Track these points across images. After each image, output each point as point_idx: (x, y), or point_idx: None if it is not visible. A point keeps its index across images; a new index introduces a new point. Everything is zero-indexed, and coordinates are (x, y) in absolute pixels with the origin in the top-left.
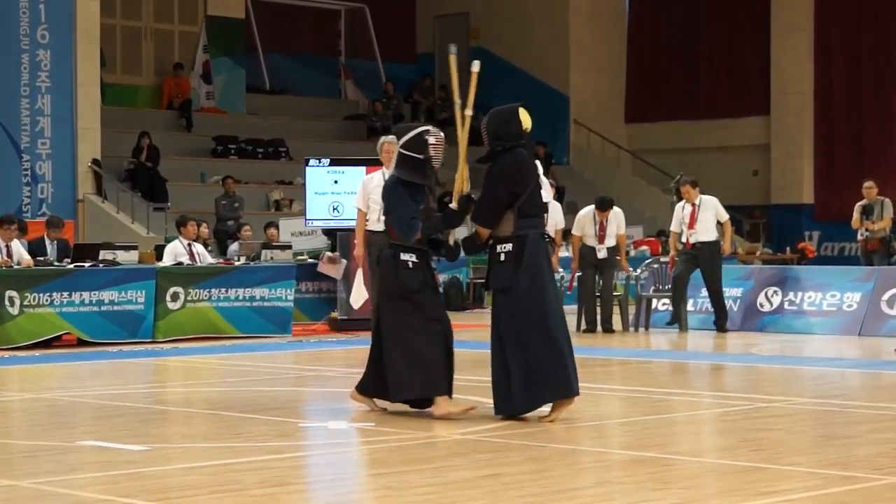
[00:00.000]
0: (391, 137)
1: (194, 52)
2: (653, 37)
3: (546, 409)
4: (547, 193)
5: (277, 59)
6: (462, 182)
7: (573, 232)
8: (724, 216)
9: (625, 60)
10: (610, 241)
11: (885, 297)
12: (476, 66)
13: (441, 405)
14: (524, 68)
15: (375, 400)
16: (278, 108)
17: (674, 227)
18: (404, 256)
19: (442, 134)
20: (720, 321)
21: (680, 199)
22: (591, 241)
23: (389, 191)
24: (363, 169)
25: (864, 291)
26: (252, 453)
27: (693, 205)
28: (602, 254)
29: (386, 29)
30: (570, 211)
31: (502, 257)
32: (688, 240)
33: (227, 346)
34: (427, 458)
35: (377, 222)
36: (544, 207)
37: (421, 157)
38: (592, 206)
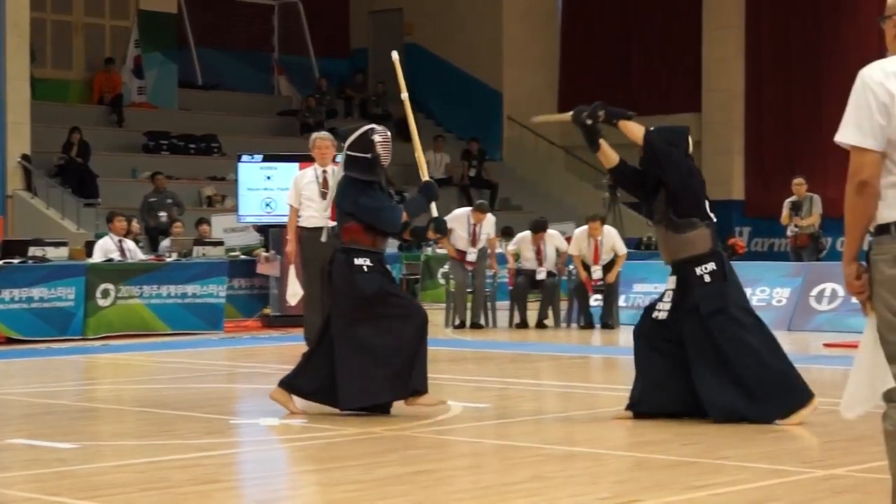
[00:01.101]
0: (324, 133)
1: (126, 46)
2: (585, 33)
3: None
4: None
5: (210, 54)
6: (423, 164)
7: (510, 248)
8: (622, 250)
9: (558, 57)
10: (549, 265)
11: (814, 292)
12: (395, 56)
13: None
14: (458, 65)
15: (294, 398)
16: (211, 104)
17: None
18: (358, 261)
19: (388, 132)
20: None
21: (613, 196)
22: (529, 264)
23: (347, 191)
24: (296, 165)
25: (793, 287)
26: (183, 451)
27: (597, 240)
28: (541, 276)
29: (319, 24)
30: (504, 207)
31: (707, 278)
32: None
33: (158, 343)
34: (359, 454)
35: (309, 219)
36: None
37: (368, 155)
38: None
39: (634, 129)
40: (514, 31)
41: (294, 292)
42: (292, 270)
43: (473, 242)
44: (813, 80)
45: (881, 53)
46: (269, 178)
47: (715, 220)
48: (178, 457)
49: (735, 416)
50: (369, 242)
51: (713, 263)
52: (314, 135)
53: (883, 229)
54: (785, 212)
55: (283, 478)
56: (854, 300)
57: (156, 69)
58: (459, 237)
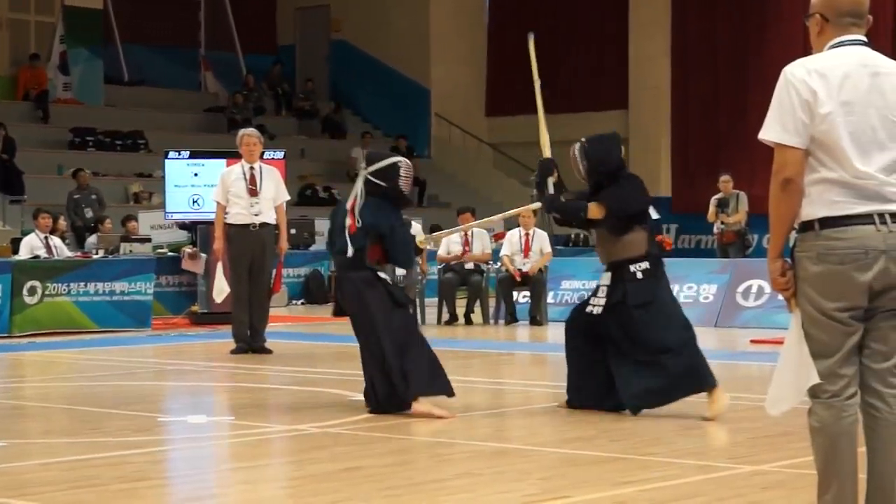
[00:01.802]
0: (251, 130)
1: (51, 42)
2: (513, 30)
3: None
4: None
5: (136, 50)
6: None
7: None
8: (548, 249)
9: (485, 53)
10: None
11: (740, 288)
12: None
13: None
14: (385, 61)
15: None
16: (137, 100)
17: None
18: (382, 275)
19: (412, 166)
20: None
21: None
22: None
23: (382, 211)
24: (224, 161)
25: (720, 283)
26: (111, 448)
27: (528, 233)
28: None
29: (246, 20)
30: (432, 204)
31: (639, 276)
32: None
33: (85, 341)
34: (287, 451)
35: (237, 215)
36: None
37: (385, 185)
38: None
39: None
40: (441, 27)
41: (220, 289)
42: (220, 267)
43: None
44: (739, 78)
45: (806, 51)
46: (196, 174)
47: (657, 216)
48: (107, 454)
49: (646, 402)
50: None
51: (647, 263)
52: (242, 131)
53: (807, 226)
54: (711, 209)
55: (212, 475)
56: (779, 296)
57: (81, 65)
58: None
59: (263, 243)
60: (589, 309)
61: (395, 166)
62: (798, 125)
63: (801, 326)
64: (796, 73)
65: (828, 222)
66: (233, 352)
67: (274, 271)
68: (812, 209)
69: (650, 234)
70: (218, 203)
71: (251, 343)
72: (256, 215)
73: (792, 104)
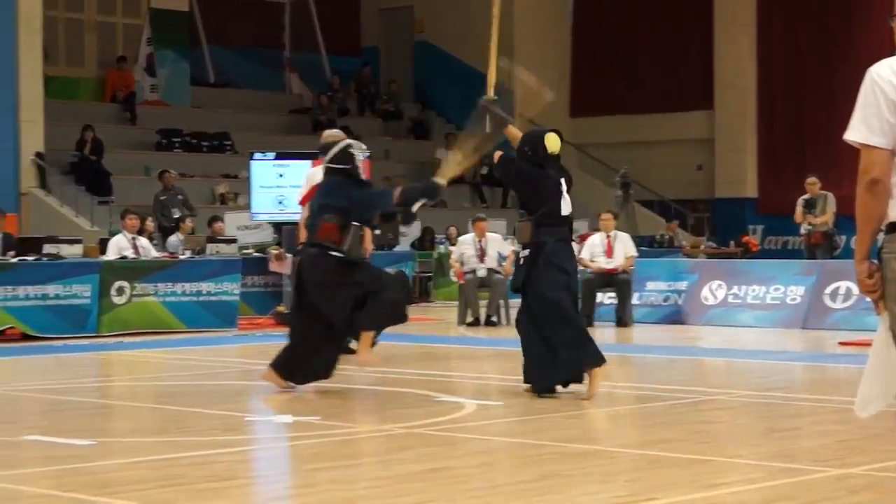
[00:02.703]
0: (335, 132)
1: (138, 44)
2: (597, 30)
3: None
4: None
5: (222, 51)
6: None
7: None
8: (632, 252)
9: (569, 54)
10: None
11: (828, 290)
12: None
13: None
14: (469, 62)
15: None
16: (223, 102)
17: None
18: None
19: (365, 148)
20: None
21: (626, 193)
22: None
23: (339, 189)
24: (308, 163)
25: (807, 285)
26: (198, 447)
27: (608, 235)
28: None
29: (330, 22)
30: (516, 205)
31: (521, 261)
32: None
33: (172, 341)
34: (373, 451)
35: None
36: (566, 219)
37: (348, 167)
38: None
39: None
40: (525, 28)
41: None
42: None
43: (482, 258)
44: (825, 77)
45: (892, 51)
46: (281, 175)
47: (568, 213)
48: (194, 453)
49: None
50: (339, 242)
51: (529, 251)
52: (327, 132)
53: (894, 227)
54: (798, 210)
55: (298, 475)
56: (868, 299)
57: (168, 67)
58: (469, 257)
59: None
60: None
61: (346, 149)
62: (884, 125)
63: (889, 328)
64: (882, 74)
65: None
66: None
67: None
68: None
69: (538, 226)
70: (302, 204)
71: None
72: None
73: (878, 104)
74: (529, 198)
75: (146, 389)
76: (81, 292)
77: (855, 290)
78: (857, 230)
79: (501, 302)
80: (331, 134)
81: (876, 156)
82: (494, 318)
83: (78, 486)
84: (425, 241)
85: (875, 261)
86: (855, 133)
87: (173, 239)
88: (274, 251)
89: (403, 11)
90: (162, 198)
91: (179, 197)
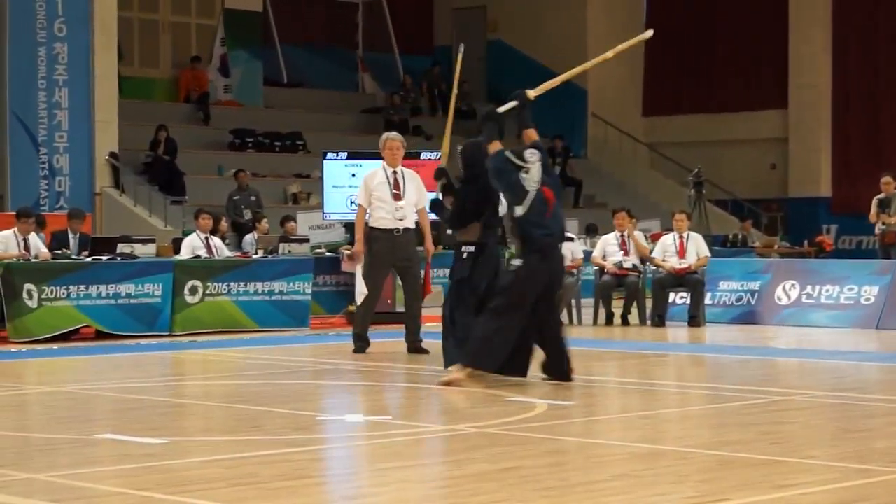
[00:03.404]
0: (395, 134)
1: (212, 44)
2: (670, 29)
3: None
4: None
5: (294, 51)
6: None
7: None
8: (705, 252)
9: (642, 53)
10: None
11: None
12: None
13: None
14: (541, 61)
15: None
16: (295, 101)
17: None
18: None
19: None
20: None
21: (699, 193)
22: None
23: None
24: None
25: (881, 285)
26: (270, 446)
27: (681, 235)
28: (627, 264)
29: (403, 21)
30: (588, 205)
31: (464, 256)
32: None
33: (244, 340)
34: (444, 450)
35: (381, 220)
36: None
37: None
38: None
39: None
40: (598, 27)
41: (361, 292)
42: (359, 270)
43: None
44: None
45: None
46: (353, 175)
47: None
48: (266, 452)
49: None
50: None
51: (473, 249)
52: (386, 135)
53: None
54: (873, 209)
55: (370, 474)
56: None
57: (241, 67)
58: None
59: (408, 247)
60: None
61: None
62: None
63: None
64: None
65: None
66: (356, 351)
67: (423, 273)
68: None
69: (483, 228)
70: (360, 206)
71: (408, 343)
72: (401, 220)
73: None
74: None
75: (218, 389)
76: (154, 291)
77: None
78: None
79: (573, 302)
80: None
81: None
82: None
83: (150, 484)
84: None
85: None
86: None
87: (248, 238)
88: (346, 251)
89: (476, 11)
90: (235, 197)
91: (252, 197)
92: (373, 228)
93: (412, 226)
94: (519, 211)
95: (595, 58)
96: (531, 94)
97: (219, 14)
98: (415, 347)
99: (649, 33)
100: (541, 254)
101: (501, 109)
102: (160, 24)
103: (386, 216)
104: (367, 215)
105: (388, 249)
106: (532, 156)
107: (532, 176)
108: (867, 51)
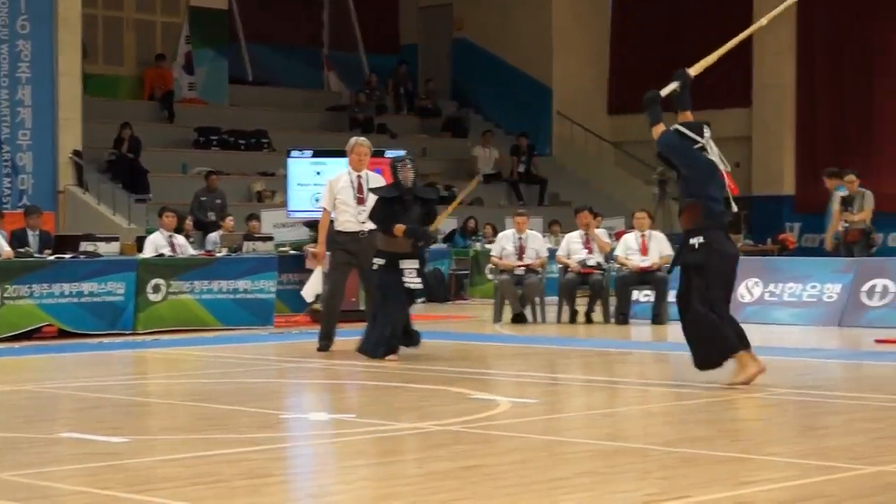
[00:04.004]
0: (363, 139)
1: (176, 42)
2: (636, 28)
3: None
4: None
5: (260, 50)
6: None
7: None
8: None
9: (608, 52)
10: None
11: (865, 288)
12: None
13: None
14: (508, 60)
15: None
16: (261, 100)
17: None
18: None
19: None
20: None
21: (663, 191)
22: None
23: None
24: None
25: (843, 283)
26: (233, 445)
27: (643, 234)
28: (591, 262)
29: (369, 20)
30: (553, 203)
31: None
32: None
33: (208, 338)
34: (408, 448)
35: (345, 223)
36: None
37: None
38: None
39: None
40: (563, 26)
41: (314, 290)
42: (318, 270)
43: (521, 255)
44: (865, 75)
45: None
46: (318, 173)
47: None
48: (229, 451)
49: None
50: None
51: (382, 259)
52: (354, 139)
53: None
54: (836, 207)
55: (333, 472)
56: None
57: (206, 65)
58: (508, 253)
59: (371, 249)
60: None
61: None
62: None
63: None
64: None
65: None
66: (319, 349)
67: None
68: None
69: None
70: (324, 209)
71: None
72: (364, 223)
73: None
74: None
75: (181, 387)
76: (117, 290)
77: (892, 287)
78: None
79: (537, 300)
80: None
81: None
82: (529, 317)
83: (112, 483)
84: (467, 230)
85: None
86: None
87: (213, 236)
88: (311, 249)
89: (442, 9)
90: (202, 198)
91: (218, 200)
92: (338, 232)
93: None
94: (705, 186)
95: (739, 33)
96: (692, 72)
97: (184, 12)
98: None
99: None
100: (724, 231)
101: (664, 92)
102: (125, 22)
103: (350, 219)
104: (332, 217)
105: (351, 252)
106: (707, 131)
107: (713, 151)
108: (831, 50)
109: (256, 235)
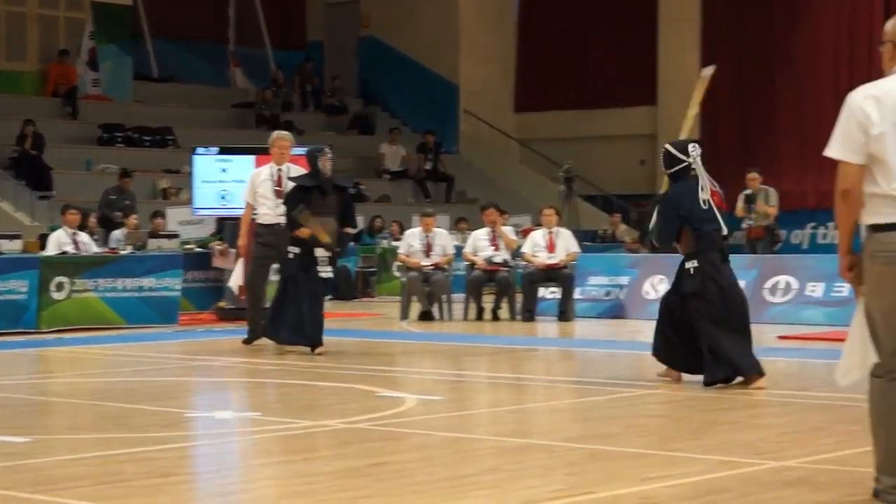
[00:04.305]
0: (285, 133)
1: (80, 38)
2: (542, 26)
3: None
4: None
5: (165, 45)
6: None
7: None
8: (574, 248)
9: (514, 50)
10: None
11: (768, 284)
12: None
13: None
14: (415, 57)
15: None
16: (166, 96)
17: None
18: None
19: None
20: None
21: (569, 188)
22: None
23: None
24: (252, 158)
25: (747, 279)
26: (137, 444)
27: (550, 231)
28: (497, 259)
29: (275, 16)
30: (459, 200)
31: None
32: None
33: (112, 336)
34: (313, 447)
35: (264, 216)
36: None
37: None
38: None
39: None
40: (470, 23)
41: (236, 282)
42: (240, 263)
43: (428, 253)
44: (767, 74)
45: (834, 48)
46: (224, 170)
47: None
48: (133, 450)
49: None
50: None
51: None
52: (276, 133)
53: (870, 229)
54: (739, 204)
55: (238, 471)
56: (808, 293)
57: (111, 61)
58: (415, 251)
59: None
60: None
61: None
62: (854, 144)
63: (863, 312)
64: (855, 98)
65: (877, 228)
66: (245, 341)
67: None
68: (866, 217)
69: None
70: (247, 203)
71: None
72: (282, 215)
73: (849, 126)
74: None
75: (85, 386)
76: (19, 288)
77: (794, 284)
78: (838, 229)
79: (443, 297)
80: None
81: (847, 169)
82: (436, 314)
83: (14, 483)
84: (374, 228)
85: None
86: (832, 150)
87: (116, 233)
88: (218, 246)
89: (349, 6)
90: (112, 196)
91: (127, 202)
92: (258, 224)
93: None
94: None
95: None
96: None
97: (88, 7)
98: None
99: (710, 70)
100: (722, 254)
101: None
102: (27, 17)
103: (268, 212)
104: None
105: (271, 244)
106: (694, 150)
107: (700, 170)
108: (734, 49)
109: (161, 233)
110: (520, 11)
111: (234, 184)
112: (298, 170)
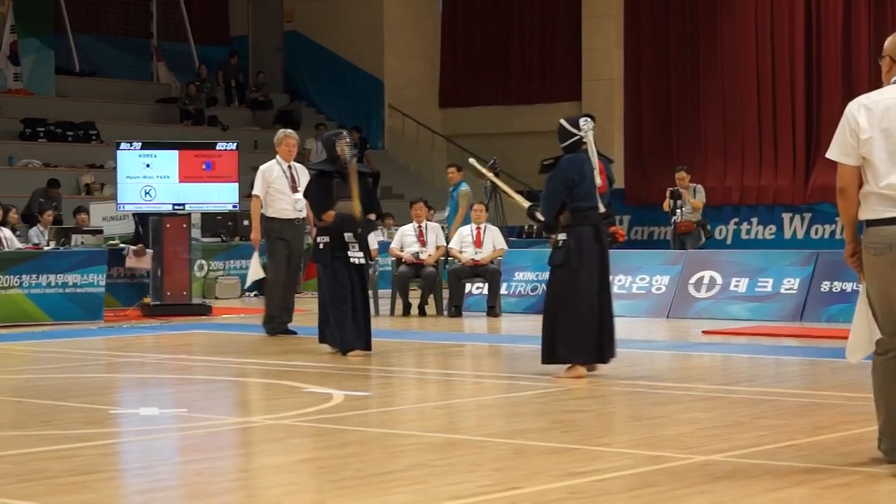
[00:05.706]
0: (291, 131)
1: (1, 32)
2: (467, 21)
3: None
4: None
5: (87, 40)
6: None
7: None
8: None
9: (439, 45)
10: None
11: (693, 280)
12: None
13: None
14: (339, 52)
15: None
16: (89, 91)
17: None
18: None
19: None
20: None
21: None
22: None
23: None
24: (176, 153)
25: (672, 275)
26: (61, 441)
27: (479, 227)
28: (423, 255)
29: (199, 11)
30: (386, 196)
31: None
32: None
33: (36, 333)
34: (240, 443)
35: (283, 210)
36: None
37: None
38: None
39: None
40: (394, 19)
41: (255, 274)
42: (255, 256)
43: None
44: (692, 70)
45: (756, 45)
46: (148, 165)
47: None
48: (57, 447)
49: None
50: None
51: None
52: (282, 131)
53: (867, 223)
54: (667, 200)
55: (164, 468)
56: (732, 288)
57: (32, 55)
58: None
59: (302, 236)
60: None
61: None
62: (848, 148)
63: (864, 295)
64: (851, 108)
65: (870, 223)
66: (269, 332)
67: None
68: (862, 212)
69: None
70: (256, 196)
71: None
72: (300, 210)
73: (844, 131)
74: None
75: (8, 382)
76: None
77: (719, 279)
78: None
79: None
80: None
81: (843, 170)
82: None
83: None
84: None
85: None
86: (832, 153)
87: (33, 231)
88: (133, 248)
89: (272, 1)
90: (41, 199)
91: (55, 203)
92: (274, 219)
93: (304, 216)
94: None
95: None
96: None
97: (8, 0)
98: (284, 329)
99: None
100: (595, 229)
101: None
102: None
103: (286, 207)
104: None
105: (288, 237)
106: (586, 124)
107: (591, 146)
108: (658, 46)
109: (85, 228)
110: (444, 7)
111: (158, 179)
112: (303, 168)
